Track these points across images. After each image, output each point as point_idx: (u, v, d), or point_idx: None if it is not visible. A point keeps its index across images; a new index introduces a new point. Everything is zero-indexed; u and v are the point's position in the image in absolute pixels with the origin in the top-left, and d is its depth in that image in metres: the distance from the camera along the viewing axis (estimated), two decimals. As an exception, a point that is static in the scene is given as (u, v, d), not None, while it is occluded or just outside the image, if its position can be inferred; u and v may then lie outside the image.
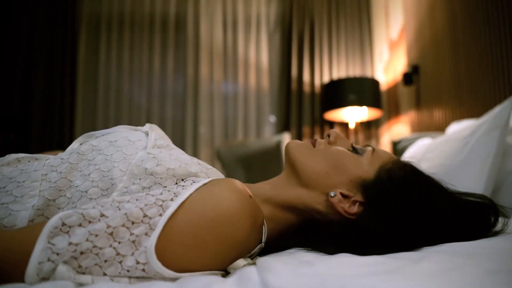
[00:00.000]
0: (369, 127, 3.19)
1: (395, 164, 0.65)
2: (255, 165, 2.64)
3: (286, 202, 0.66)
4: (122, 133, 0.67)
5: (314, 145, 0.70)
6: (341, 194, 0.64)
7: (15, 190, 0.58)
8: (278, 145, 2.55)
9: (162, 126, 3.18)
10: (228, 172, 2.75)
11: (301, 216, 0.67)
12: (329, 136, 0.71)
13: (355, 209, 0.63)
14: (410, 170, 0.65)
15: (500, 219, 0.64)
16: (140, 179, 0.57)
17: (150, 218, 0.47)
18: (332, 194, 0.63)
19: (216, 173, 0.64)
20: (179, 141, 3.19)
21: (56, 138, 3.02)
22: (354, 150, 0.68)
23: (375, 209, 0.61)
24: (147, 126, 0.70)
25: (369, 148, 0.68)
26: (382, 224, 0.59)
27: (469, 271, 0.39)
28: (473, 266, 0.41)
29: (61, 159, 0.63)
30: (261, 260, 0.52)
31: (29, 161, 0.64)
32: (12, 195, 0.58)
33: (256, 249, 0.59)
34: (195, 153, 3.18)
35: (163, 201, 0.49)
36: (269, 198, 0.66)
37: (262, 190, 0.67)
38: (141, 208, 0.47)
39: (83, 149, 0.63)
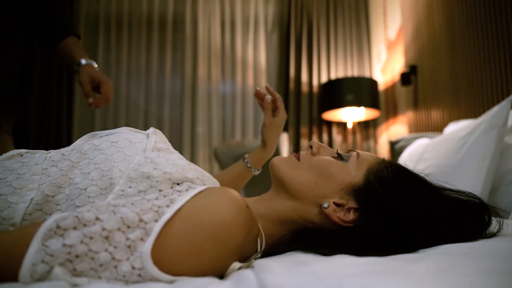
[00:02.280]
0: (367, 127, 3.19)
1: (381, 165, 0.66)
2: (253, 165, 2.63)
3: (281, 217, 0.66)
4: (124, 134, 0.68)
5: (298, 158, 0.70)
6: (334, 203, 0.64)
7: (15, 181, 0.59)
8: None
9: (160, 126, 3.17)
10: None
11: (296, 229, 0.66)
12: (311, 147, 0.71)
13: (350, 216, 0.63)
14: (396, 169, 0.66)
15: (496, 220, 0.64)
16: (136, 182, 0.58)
17: (146, 223, 0.47)
18: (325, 205, 0.63)
19: (212, 181, 0.65)
20: (177, 141, 3.18)
21: (54, 140, 3.01)
22: (339, 157, 0.68)
23: (370, 212, 0.61)
24: (151, 130, 0.71)
25: (354, 153, 0.68)
26: (379, 226, 0.59)
27: (466, 271, 0.39)
28: (470, 266, 0.40)
29: (62, 154, 0.64)
30: (258, 262, 0.52)
31: (31, 154, 0.66)
32: (11, 186, 0.59)
33: (252, 258, 0.59)
34: (192, 153, 3.17)
35: (159, 207, 0.49)
36: (262, 214, 0.66)
37: (254, 206, 0.67)
38: (137, 213, 0.47)
39: (84, 148, 0.65)
